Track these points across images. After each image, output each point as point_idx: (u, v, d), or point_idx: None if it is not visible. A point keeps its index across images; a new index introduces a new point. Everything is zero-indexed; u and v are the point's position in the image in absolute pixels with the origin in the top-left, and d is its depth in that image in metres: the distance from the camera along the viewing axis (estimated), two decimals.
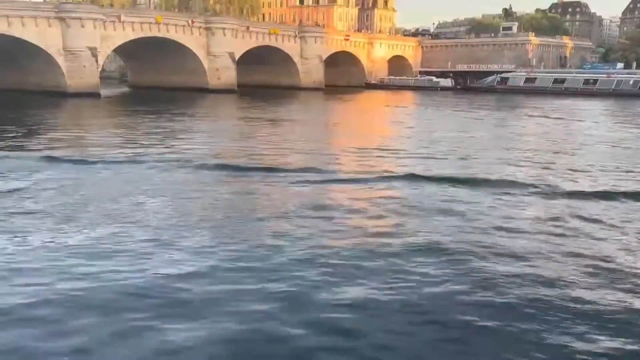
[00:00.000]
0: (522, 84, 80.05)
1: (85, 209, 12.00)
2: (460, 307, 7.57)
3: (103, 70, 62.35)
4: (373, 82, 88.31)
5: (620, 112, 49.27)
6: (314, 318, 7.22)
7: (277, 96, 60.39)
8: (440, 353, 6.57)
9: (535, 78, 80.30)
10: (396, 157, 20.32)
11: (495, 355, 6.47)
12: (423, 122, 37.85)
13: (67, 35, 53.34)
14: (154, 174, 16.09)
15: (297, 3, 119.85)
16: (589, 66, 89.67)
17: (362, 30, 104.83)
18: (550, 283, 8.37)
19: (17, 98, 47.76)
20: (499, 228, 11.19)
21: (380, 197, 13.74)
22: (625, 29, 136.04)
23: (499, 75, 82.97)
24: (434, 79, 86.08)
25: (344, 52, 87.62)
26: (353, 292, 7.97)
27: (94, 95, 53.13)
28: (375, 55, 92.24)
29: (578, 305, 7.62)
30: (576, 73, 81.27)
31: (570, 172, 17.87)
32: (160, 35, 62.41)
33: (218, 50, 67.23)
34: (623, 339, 6.78)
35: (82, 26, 53.92)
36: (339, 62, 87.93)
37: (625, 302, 7.81)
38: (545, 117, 42.13)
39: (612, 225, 11.54)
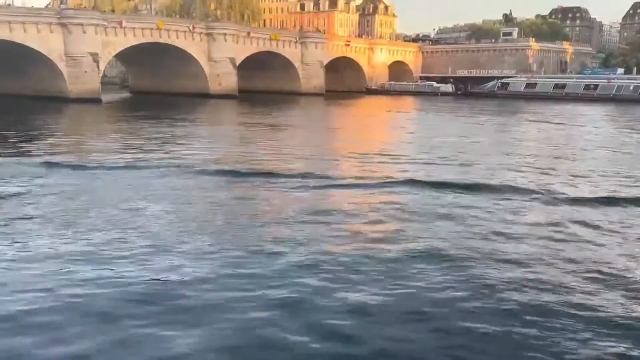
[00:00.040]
0: (522, 89, 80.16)
1: (85, 215, 12.00)
2: (461, 313, 7.55)
3: (104, 75, 62.47)
4: (374, 87, 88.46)
5: (620, 117, 49.29)
6: (315, 324, 7.20)
7: (278, 101, 60.48)
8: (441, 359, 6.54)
9: (536, 83, 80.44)
10: (397, 163, 20.31)
11: None
12: (424, 128, 37.89)
13: (68, 41, 53.52)
14: (155, 180, 16.09)
15: (298, 9, 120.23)
16: (590, 71, 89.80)
17: (363, 36, 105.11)
18: (551, 289, 8.35)
19: (19, 103, 47.88)
20: (500, 234, 11.17)
21: (380, 203, 13.73)
22: (625, 34, 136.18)
23: (499, 80, 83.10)
24: (435, 84, 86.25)
25: (344, 57, 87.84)
26: (353, 298, 7.95)
27: (95, 100, 53.24)
28: (375, 60, 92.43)
29: (579, 312, 7.59)
30: (577, 78, 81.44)
31: (571, 177, 17.85)
32: (161, 40, 62.62)
33: (219, 55, 67.42)
34: (625, 345, 6.75)
35: (84, 32, 54.10)
36: (340, 67, 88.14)
37: (628, 308, 7.78)
38: (546, 122, 42.14)
39: (614, 231, 11.51)
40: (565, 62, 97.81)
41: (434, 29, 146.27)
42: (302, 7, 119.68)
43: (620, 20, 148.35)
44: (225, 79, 68.07)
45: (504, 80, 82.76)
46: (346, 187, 15.59)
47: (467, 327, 7.16)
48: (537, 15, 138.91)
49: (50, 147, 23.20)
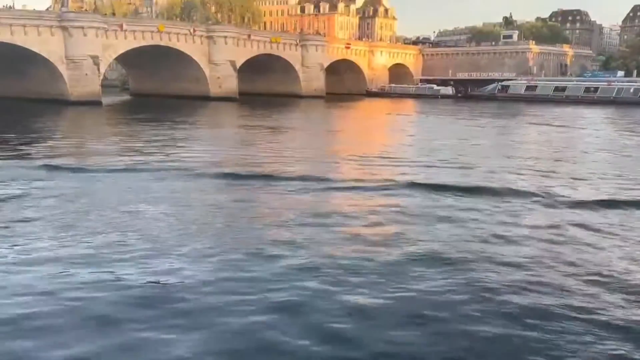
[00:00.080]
0: (523, 91, 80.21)
1: (85, 218, 11.99)
2: (461, 316, 7.53)
3: (105, 78, 62.55)
4: (374, 90, 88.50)
5: (621, 120, 49.31)
6: (315, 327, 7.18)
7: (278, 104, 60.53)
8: None
9: (536, 86, 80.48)
10: (397, 165, 20.30)
11: None
12: (424, 130, 37.89)
13: (69, 44, 53.60)
14: (155, 183, 16.08)
15: (298, 12, 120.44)
16: (590, 74, 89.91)
17: (363, 39, 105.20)
18: (551, 292, 8.33)
19: (19, 106, 47.90)
20: (501, 237, 11.15)
21: (381, 205, 13.71)
22: (625, 37, 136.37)
23: (499, 83, 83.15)
24: (435, 87, 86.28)
25: (345, 60, 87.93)
26: (354, 301, 7.93)
27: (95, 103, 53.28)
28: (376, 63, 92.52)
29: (580, 315, 7.57)
30: (577, 81, 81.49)
31: (571, 180, 17.85)
32: (162, 43, 62.69)
33: (219, 58, 67.49)
34: (626, 349, 6.74)
35: (85, 35, 54.18)
36: (340, 70, 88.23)
37: (628, 311, 7.76)
38: (547, 124, 42.17)
39: (614, 234, 11.50)
40: (566, 65, 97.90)
41: (434, 32, 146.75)
42: (303, 9, 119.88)
43: (620, 23, 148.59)
44: (225, 81, 68.14)
45: (504, 83, 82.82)
46: (346, 189, 15.58)
47: (467, 330, 7.14)
48: (537, 18, 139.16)
49: (51, 150, 23.21)
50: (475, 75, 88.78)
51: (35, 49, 51.62)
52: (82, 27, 54.11)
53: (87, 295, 7.95)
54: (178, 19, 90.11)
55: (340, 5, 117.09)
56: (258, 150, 24.49)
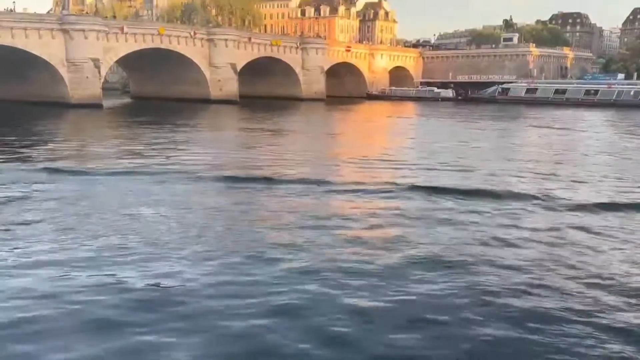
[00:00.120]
0: (523, 94, 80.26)
1: (86, 221, 11.99)
2: (462, 319, 7.53)
3: (105, 81, 62.67)
4: (374, 92, 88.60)
5: (621, 123, 49.32)
6: (315, 330, 7.18)
7: (279, 107, 60.58)
8: None
9: (537, 89, 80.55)
10: (398, 168, 20.30)
11: None
12: (424, 133, 37.91)
13: (70, 47, 53.71)
14: (156, 186, 16.08)
15: (299, 15, 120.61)
16: (590, 77, 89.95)
17: (364, 42, 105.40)
18: (552, 295, 8.33)
19: (20, 109, 47.99)
20: (501, 240, 11.15)
21: (381, 208, 13.71)
22: (625, 39, 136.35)
23: (500, 86, 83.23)
24: (435, 89, 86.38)
25: (345, 63, 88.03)
26: (354, 304, 7.93)
27: (96, 106, 53.36)
28: (376, 66, 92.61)
29: (580, 318, 7.56)
30: (577, 84, 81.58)
31: (572, 183, 17.85)
32: (162, 46, 62.81)
33: (220, 61, 67.60)
34: (627, 353, 6.73)
35: (85, 38, 54.32)
36: (341, 73, 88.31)
37: (629, 314, 7.75)
38: (547, 127, 42.18)
39: (615, 237, 11.49)
40: (566, 68, 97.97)
41: (434, 35, 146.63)
42: (303, 12, 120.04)
43: (620, 26, 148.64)
44: (226, 84, 68.23)
45: (504, 86, 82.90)
46: (347, 192, 15.57)
47: (468, 334, 7.13)
48: (538, 21, 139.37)
49: (51, 153, 23.24)
50: (475, 78, 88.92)
51: (36, 52, 51.74)
52: (83, 30, 54.24)
53: (88, 299, 7.95)
54: (179, 21, 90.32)
55: (341, 9, 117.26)
56: (259, 153, 24.50)
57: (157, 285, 8.50)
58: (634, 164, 22.99)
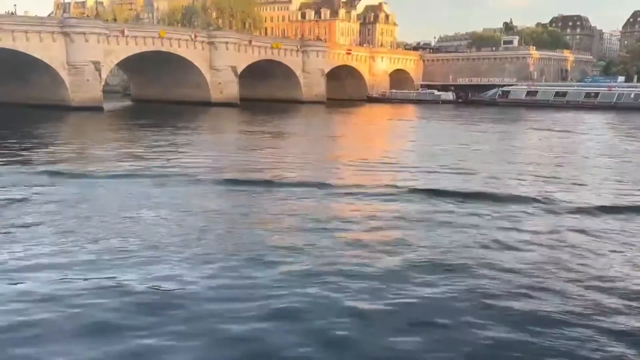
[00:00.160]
0: (523, 97, 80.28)
1: (86, 223, 11.99)
2: (463, 322, 7.52)
3: (106, 84, 62.69)
4: (375, 95, 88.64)
5: (621, 125, 49.30)
6: (315, 333, 7.18)
7: (279, 110, 60.62)
8: None
9: (537, 91, 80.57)
10: (398, 171, 20.31)
11: None
12: (425, 136, 37.91)
13: (70, 50, 53.77)
14: (156, 188, 16.09)
15: (299, 17, 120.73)
16: (590, 80, 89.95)
17: (364, 45, 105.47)
18: (552, 298, 8.32)
19: (21, 112, 48.02)
20: (502, 243, 11.14)
21: (382, 211, 13.71)
22: (625, 42, 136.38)
23: (500, 88, 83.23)
24: (436, 92, 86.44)
25: (345, 66, 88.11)
26: (355, 307, 7.92)
27: (97, 109, 53.40)
28: (376, 69, 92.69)
29: (581, 321, 7.56)
30: (577, 86, 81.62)
31: (572, 185, 17.85)
32: (163, 49, 62.89)
33: (220, 64, 67.68)
34: (628, 356, 6.72)
35: (86, 40, 54.37)
36: (341, 75, 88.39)
37: (631, 317, 7.74)
38: (547, 130, 42.18)
39: (616, 240, 11.49)
40: (566, 70, 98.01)
41: (434, 38, 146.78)
42: (304, 15, 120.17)
43: (620, 29, 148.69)
44: (226, 87, 68.31)
45: (505, 89, 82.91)
46: (347, 195, 15.57)
47: (468, 337, 7.13)
48: (538, 24, 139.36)
49: (52, 156, 23.26)
50: (475, 81, 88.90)
51: (37, 55, 51.80)
52: (84, 33, 54.32)
53: (88, 302, 7.95)
54: (179, 24, 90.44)
55: (341, 11, 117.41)
56: (259, 156, 24.51)
57: (157, 288, 8.50)
58: (634, 167, 22.98)
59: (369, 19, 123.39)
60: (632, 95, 72.63)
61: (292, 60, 78.81)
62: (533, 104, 76.39)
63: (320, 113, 62.56)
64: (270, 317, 7.55)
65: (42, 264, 9.45)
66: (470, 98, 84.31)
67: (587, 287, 8.80)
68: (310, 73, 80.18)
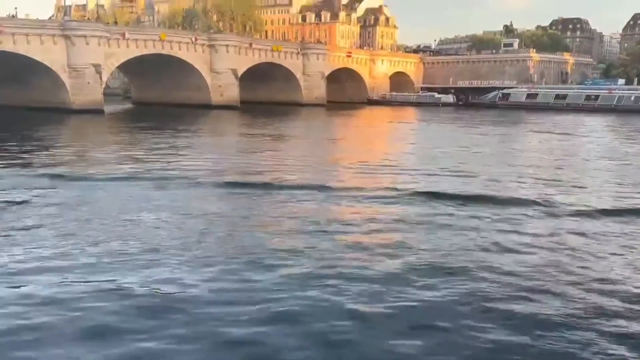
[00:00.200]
0: (523, 99, 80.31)
1: (87, 226, 11.99)
2: (463, 325, 7.52)
3: (107, 86, 62.76)
4: (375, 98, 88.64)
5: (621, 128, 49.31)
6: (316, 337, 7.17)
7: (280, 112, 60.66)
8: None
9: (537, 94, 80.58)
10: (398, 174, 20.32)
11: None
12: (425, 138, 37.91)
13: (71, 53, 53.82)
14: (156, 191, 16.10)
15: (300, 20, 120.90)
16: (590, 82, 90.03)
17: (364, 47, 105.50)
18: (553, 301, 8.31)
19: (21, 115, 48.04)
20: (502, 246, 11.14)
21: (382, 214, 13.71)
22: (625, 45, 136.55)
23: (500, 91, 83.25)
24: (436, 95, 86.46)
25: (346, 68, 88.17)
26: (355, 310, 7.92)
27: (97, 111, 53.43)
28: (377, 71, 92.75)
29: (581, 323, 7.56)
30: (578, 89, 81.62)
31: (573, 188, 17.85)
32: (163, 52, 62.94)
33: (221, 66, 67.73)
34: (632, 359, 6.71)
35: (87, 43, 54.42)
36: (341, 78, 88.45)
37: (631, 320, 7.73)
38: (548, 132, 42.20)
39: (616, 243, 11.48)
40: (566, 73, 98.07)
41: (434, 40, 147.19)
42: (304, 18, 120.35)
43: (620, 31, 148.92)
44: (227, 90, 68.33)
45: (505, 91, 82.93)
46: (347, 198, 15.57)
47: (469, 340, 7.12)
48: (538, 27, 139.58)
49: (52, 158, 23.26)
50: (476, 83, 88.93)
51: (37, 57, 51.85)
52: (85, 36, 54.38)
53: (88, 305, 7.94)
54: (180, 27, 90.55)
55: (342, 14, 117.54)
56: (259, 159, 24.52)
57: (158, 291, 8.50)
58: (634, 170, 22.97)
59: (369, 22, 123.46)
60: (632, 98, 72.63)
61: (292, 63, 78.86)
62: (533, 106, 76.40)
63: (320, 116, 62.58)
64: (270, 320, 7.55)
65: (42, 266, 9.45)
66: (470, 101, 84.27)
67: (587, 290, 8.80)
68: (311, 76, 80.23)
